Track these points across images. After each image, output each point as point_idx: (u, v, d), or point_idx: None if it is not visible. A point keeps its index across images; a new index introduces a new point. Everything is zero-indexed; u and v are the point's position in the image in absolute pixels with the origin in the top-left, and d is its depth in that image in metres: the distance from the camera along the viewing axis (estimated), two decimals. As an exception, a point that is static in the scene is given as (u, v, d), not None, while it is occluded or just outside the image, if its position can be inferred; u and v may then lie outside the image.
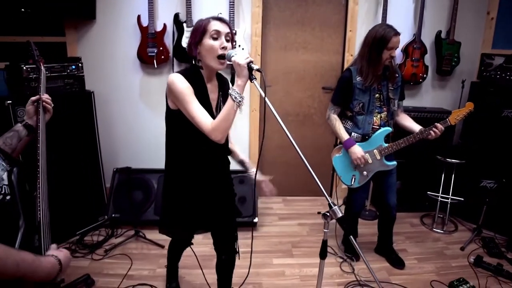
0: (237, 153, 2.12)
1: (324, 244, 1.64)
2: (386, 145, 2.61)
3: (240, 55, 1.56)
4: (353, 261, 2.91)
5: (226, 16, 3.26)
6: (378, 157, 2.64)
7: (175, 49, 3.33)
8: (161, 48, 3.31)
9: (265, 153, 3.86)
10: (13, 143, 1.63)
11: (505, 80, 3.21)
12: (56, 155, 2.89)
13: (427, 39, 3.51)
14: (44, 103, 1.69)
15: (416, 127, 2.62)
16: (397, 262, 2.90)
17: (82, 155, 3.12)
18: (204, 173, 1.89)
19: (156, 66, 3.32)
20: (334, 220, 1.50)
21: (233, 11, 3.25)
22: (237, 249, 2.21)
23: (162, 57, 3.33)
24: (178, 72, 1.73)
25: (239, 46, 3.32)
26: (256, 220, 3.28)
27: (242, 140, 3.69)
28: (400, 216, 3.57)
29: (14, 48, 2.98)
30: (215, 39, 1.67)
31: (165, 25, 3.30)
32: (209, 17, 1.73)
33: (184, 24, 3.26)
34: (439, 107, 3.65)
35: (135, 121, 3.60)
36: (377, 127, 2.63)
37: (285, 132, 1.60)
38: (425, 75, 3.54)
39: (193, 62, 1.80)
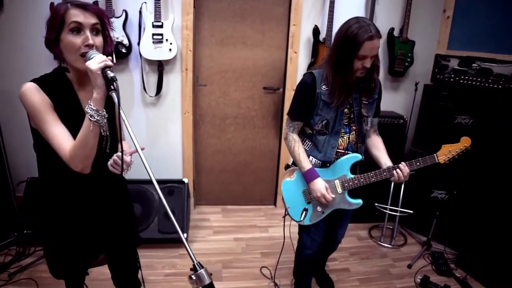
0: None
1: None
2: (352, 176, 2.00)
3: (95, 58, 1.21)
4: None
5: (151, 6, 2.87)
6: (340, 191, 2.02)
7: (93, 43, 2.93)
8: (77, 41, 2.90)
9: (201, 159, 3.53)
10: None
11: (459, 84, 2.93)
12: None
13: (378, 36, 3.19)
14: None
15: (384, 161, 2.01)
16: (325, 282, 2.62)
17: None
18: (74, 194, 1.51)
19: (71, 62, 2.90)
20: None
21: (159, 0, 2.85)
22: (141, 280, 1.90)
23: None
24: (33, 79, 1.33)
25: (167, 40, 2.94)
26: (184, 236, 2.95)
27: (175, 144, 3.32)
28: (348, 228, 3.30)
29: None
30: (76, 33, 1.28)
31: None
32: (67, 2, 1.30)
33: (103, 15, 2.85)
34: (391, 111, 3.36)
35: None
36: (342, 151, 2.00)
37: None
38: (375, 76, 3.22)
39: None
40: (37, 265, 2.70)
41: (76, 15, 1.28)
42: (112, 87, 1.20)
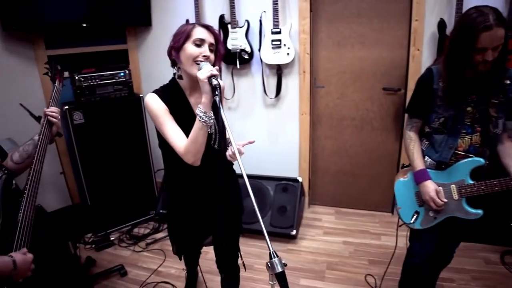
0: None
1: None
2: (471, 182, 1.79)
3: (204, 69, 1.46)
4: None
5: (270, 14, 3.06)
6: (456, 197, 1.83)
7: (220, 51, 3.29)
8: (208, 51, 3.30)
9: (317, 160, 3.58)
10: (29, 150, 1.88)
11: None
12: (112, 154, 3.22)
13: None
14: (48, 116, 1.88)
15: None
16: None
17: (135, 154, 3.35)
18: (196, 189, 1.82)
19: (204, 69, 3.33)
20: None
21: (277, 8, 3.02)
22: (243, 264, 2.10)
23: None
24: (154, 90, 1.69)
25: (285, 45, 3.08)
26: (293, 232, 3.06)
27: (292, 144, 3.46)
28: (473, 248, 2.92)
29: (81, 58, 3.32)
30: (197, 46, 1.59)
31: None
32: (196, 23, 1.67)
33: (229, 26, 3.17)
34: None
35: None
36: (462, 153, 1.81)
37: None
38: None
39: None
40: (167, 239, 3.23)
41: (202, 33, 1.60)
42: (216, 92, 1.39)
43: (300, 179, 3.28)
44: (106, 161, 3.21)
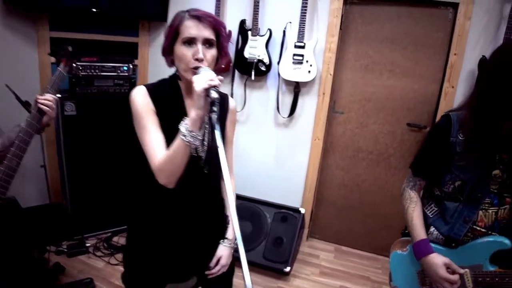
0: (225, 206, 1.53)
1: None
2: (492, 269, 1.37)
3: (202, 76, 1.11)
4: None
5: (295, 26, 2.80)
6: (470, 286, 1.40)
7: (236, 59, 3.02)
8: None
9: (324, 190, 3.27)
10: (12, 137, 1.68)
11: None
12: (101, 152, 2.93)
13: None
14: (40, 104, 1.63)
15: None
16: None
17: (124, 156, 3.02)
18: (171, 219, 1.41)
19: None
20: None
21: (305, 20, 2.76)
22: None
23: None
24: (146, 84, 1.34)
25: (307, 62, 2.81)
26: (287, 269, 2.72)
27: (300, 170, 3.16)
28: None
29: (87, 45, 3.05)
30: (188, 45, 1.23)
31: (230, 32, 2.98)
32: (186, 11, 1.26)
33: (249, 33, 2.92)
34: None
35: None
36: (483, 230, 1.39)
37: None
38: None
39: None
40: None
41: (190, 28, 1.23)
42: (214, 108, 1.07)
43: (302, 211, 2.96)
44: (94, 159, 2.92)
